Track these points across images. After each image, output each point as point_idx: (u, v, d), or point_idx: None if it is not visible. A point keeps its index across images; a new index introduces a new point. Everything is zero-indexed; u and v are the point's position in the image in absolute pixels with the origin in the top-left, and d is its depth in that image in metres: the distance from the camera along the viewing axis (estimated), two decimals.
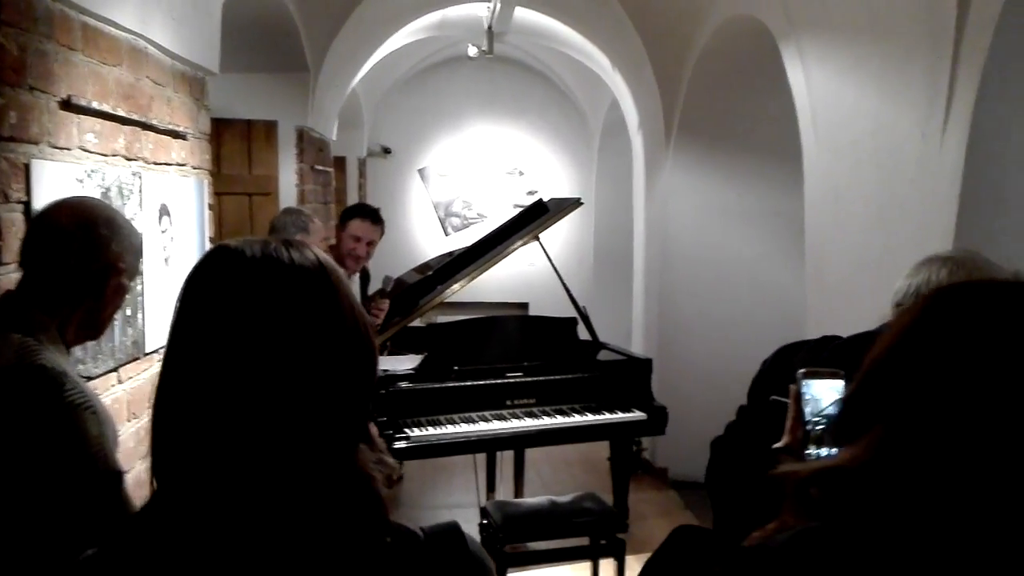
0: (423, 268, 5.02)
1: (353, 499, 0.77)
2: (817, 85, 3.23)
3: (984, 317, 0.71)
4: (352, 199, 8.23)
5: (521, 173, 9.12)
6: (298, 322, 0.77)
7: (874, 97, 2.78)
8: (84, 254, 1.29)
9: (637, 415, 4.14)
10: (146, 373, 2.51)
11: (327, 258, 0.84)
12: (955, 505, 0.67)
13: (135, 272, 1.48)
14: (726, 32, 4.39)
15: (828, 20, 3.12)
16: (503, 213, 7.41)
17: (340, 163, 8.01)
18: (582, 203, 4.77)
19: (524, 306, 8.58)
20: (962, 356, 0.70)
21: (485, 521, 3.66)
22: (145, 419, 2.54)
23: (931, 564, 0.66)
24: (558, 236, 8.92)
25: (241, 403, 0.74)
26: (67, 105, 1.92)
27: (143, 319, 2.45)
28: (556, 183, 8.88)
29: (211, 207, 3.14)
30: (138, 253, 1.48)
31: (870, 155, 2.81)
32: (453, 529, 0.86)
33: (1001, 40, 2.16)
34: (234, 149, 4.97)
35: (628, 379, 4.28)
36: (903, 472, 0.69)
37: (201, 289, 0.80)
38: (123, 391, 2.34)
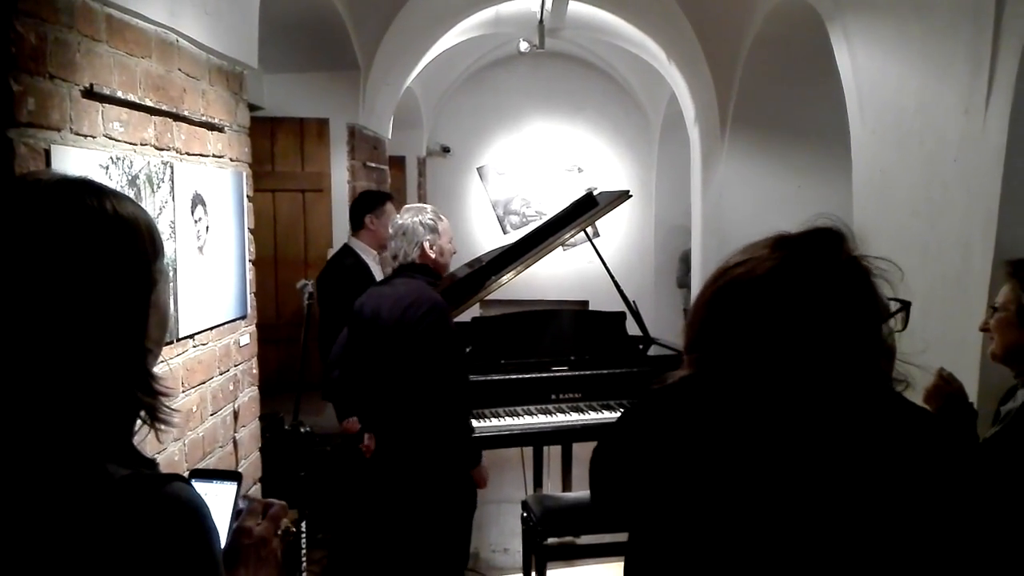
0: (474, 263, 5.03)
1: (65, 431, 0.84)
2: (863, 65, 3.11)
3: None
4: (412, 198, 8.33)
5: (580, 170, 9.07)
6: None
7: (918, 74, 2.67)
8: None
9: None
10: (179, 358, 2.58)
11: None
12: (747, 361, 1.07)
13: None
14: (776, 17, 4.28)
15: None
16: None
17: (399, 162, 8.12)
18: (631, 195, 4.71)
19: (584, 304, 8.52)
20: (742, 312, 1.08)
21: (525, 514, 3.64)
22: (181, 401, 2.60)
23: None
24: (618, 232, 8.85)
25: None
26: (90, 94, 1.99)
27: (176, 305, 2.51)
28: (616, 179, 8.79)
29: (250, 199, 3.21)
30: None
31: (914, 134, 2.70)
32: (151, 477, 0.88)
33: None
34: (287, 147, 5.08)
35: None
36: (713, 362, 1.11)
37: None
38: None
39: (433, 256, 3.06)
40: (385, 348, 2.98)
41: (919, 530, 0.98)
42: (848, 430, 1.02)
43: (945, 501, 0.99)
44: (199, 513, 0.88)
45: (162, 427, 0.94)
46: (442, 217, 3.14)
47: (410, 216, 3.08)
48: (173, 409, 0.95)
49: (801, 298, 1.04)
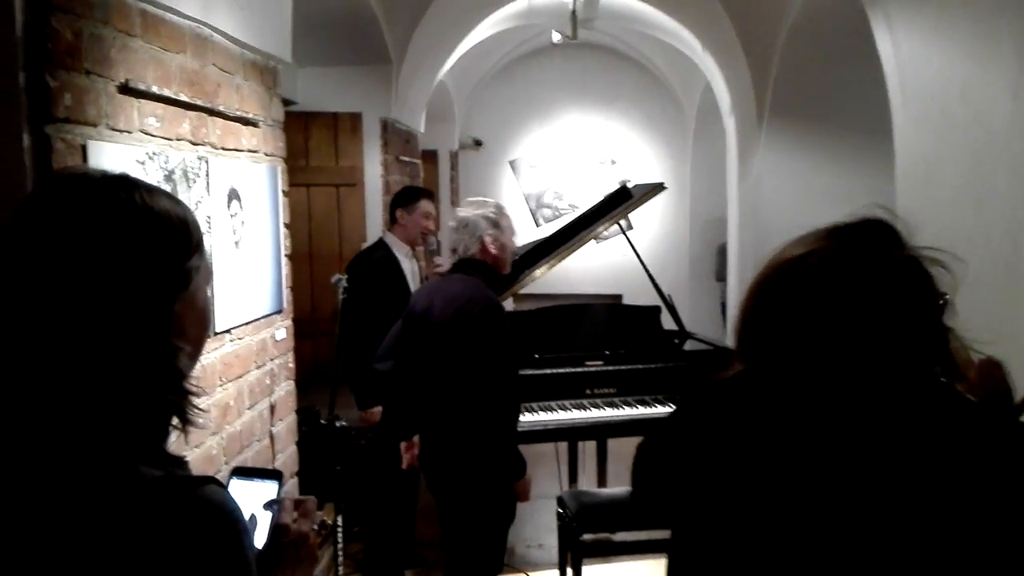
0: None
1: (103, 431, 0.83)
2: (905, 51, 3.03)
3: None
4: (444, 191, 8.33)
5: (613, 162, 9.00)
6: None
7: (962, 60, 2.59)
8: None
9: None
10: (216, 352, 2.59)
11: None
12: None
13: None
14: (815, 3, 4.19)
15: None
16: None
17: (432, 156, 8.12)
18: (665, 187, 4.66)
19: (618, 298, 8.47)
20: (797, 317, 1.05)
21: (561, 510, 3.62)
22: (218, 395, 2.61)
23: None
24: (651, 225, 8.78)
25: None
26: (125, 89, 1.99)
27: (213, 300, 2.52)
28: (649, 171, 8.72)
29: (285, 193, 3.21)
30: None
31: (959, 121, 2.62)
32: (187, 479, 0.86)
33: None
34: (321, 141, 5.10)
35: (715, 370, 4.12)
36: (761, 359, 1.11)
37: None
38: None
39: (494, 252, 2.92)
40: (434, 347, 2.85)
41: (983, 541, 0.94)
42: (907, 434, 0.98)
43: (1010, 507, 0.95)
44: (232, 517, 0.86)
45: (190, 428, 0.92)
46: (505, 213, 3.01)
47: (472, 209, 2.97)
48: (201, 409, 0.93)
49: (862, 291, 1.01)
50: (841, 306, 1.01)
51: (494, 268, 2.96)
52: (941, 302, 1.04)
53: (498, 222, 2.95)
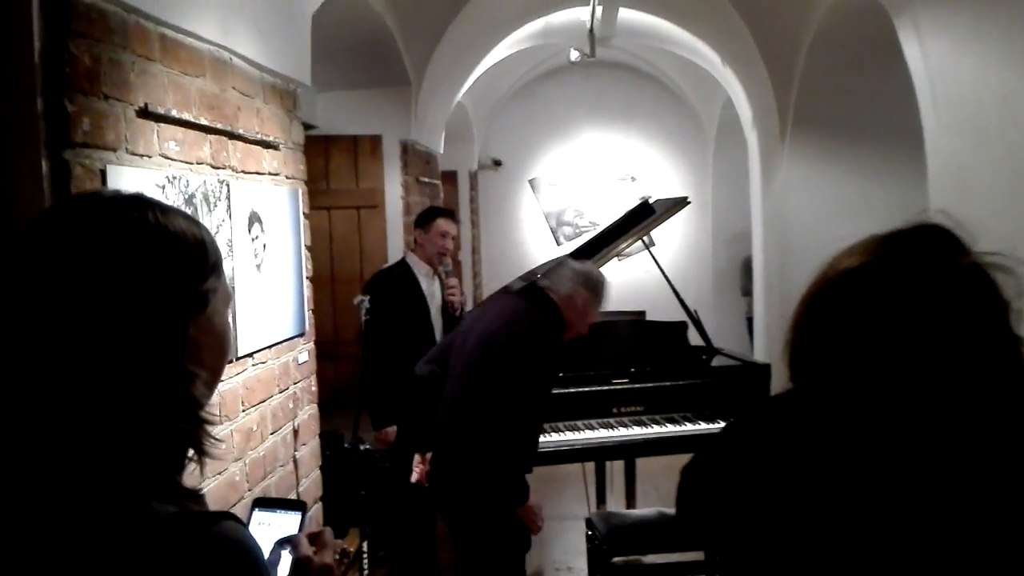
0: (528, 276, 4.97)
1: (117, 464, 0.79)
2: (935, 58, 2.97)
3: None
4: (464, 212, 8.33)
5: (633, 179, 8.96)
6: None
7: (996, 64, 2.53)
8: None
9: None
10: (238, 377, 2.56)
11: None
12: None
13: None
14: (838, 14, 4.14)
15: None
16: None
17: (451, 177, 8.12)
18: (689, 202, 4.60)
19: (641, 314, 8.38)
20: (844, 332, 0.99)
21: (590, 532, 3.54)
22: (241, 420, 2.58)
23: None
24: (673, 240, 8.71)
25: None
26: (145, 113, 1.98)
27: (234, 323, 2.50)
28: (670, 187, 8.67)
29: (306, 216, 3.19)
30: None
31: (994, 127, 2.55)
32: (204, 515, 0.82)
33: None
34: (341, 164, 5.10)
35: (744, 385, 4.07)
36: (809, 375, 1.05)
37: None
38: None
39: (576, 305, 2.84)
40: (464, 363, 2.80)
41: None
42: (981, 457, 0.91)
43: None
44: (251, 555, 0.82)
45: (206, 459, 0.88)
46: (607, 295, 2.98)
47: (589, 266, 2.98)
48: (217, 439, 0.88)
49: (927, 303, 0.94)
50: (904, 320, 0.94)
51: (561, 318, 2.86)
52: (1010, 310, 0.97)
53: (598, 292, 2.91)
